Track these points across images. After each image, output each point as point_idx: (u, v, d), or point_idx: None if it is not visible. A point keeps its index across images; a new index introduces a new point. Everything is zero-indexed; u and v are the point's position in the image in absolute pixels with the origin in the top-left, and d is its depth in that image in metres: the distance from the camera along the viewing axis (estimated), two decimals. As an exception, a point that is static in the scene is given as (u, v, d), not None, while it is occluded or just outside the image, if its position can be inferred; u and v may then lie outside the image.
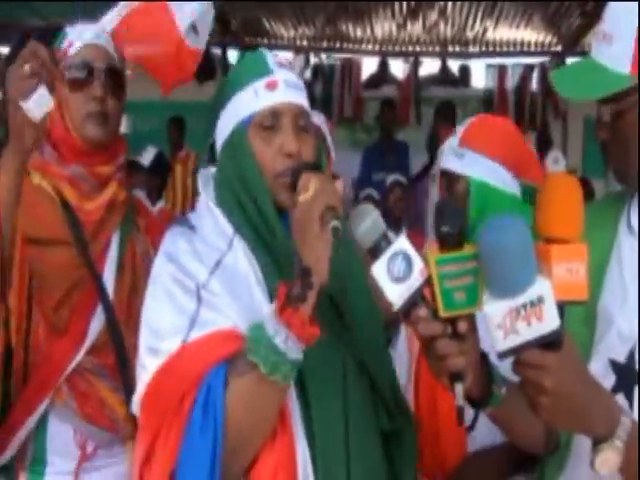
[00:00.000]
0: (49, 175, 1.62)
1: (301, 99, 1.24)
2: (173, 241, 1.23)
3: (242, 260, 1.19)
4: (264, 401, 1.08)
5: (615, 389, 1.10)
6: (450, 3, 6.55)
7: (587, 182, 5.55)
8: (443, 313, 1.01)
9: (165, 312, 1.15)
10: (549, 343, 0.94)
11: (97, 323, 1.58)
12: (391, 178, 5.33)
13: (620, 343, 1.12)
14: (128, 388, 1.49)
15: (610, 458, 0.97)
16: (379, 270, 1.03)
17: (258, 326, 1.07)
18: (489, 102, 7.72)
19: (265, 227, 1.20)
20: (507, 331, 0.93)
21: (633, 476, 1.01)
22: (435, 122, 5.81)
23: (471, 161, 1.73)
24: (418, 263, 1.02)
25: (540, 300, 0.91)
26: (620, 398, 1.08)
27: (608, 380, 1.11)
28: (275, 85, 1.21)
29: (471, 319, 1.02)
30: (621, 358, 1.12)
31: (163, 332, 1.14)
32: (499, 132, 1.74)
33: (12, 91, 1.29)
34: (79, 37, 1.65)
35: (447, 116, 5.53)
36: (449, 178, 1.77)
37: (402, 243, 1.04)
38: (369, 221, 1.06)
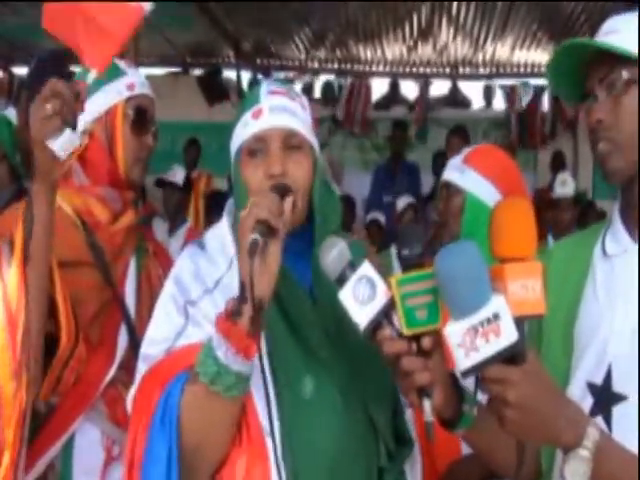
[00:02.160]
0: (77, 194, 1.66)
1: (288, 120, 1.27)
2: (181, 261, 1.32)
3: (237, 280, 1.21)
4: (211, 411, 1.12)
5: (593, 412, 1.11)
6: (460, 25, 6.60)
7: (592, 204, 5.54)
8: (406, 331, 1.06)
9: (159, 325, 1.26)
10: (511, 357, 0.96)
11: (123, 341, 1.64)
12: (403, 201, 5.33)
13: (596, 366, 1.13)
14: None
15: (578, 468, 0.98)
16: (345, 295, 1.09)
17: (209, 339, 1.12)
18: (500, 123, 7.75)
19: None
20: (468, 349, 0.96)
21: None
22: (447, 144, 5.82)
23: (469, 177, 1.94)
24: (381, 286, 1.08)
25: (496, 317, 0.95)
26: (599, 420, 1.09)
27: (586, 403, 1.12)
28: (260, 113, 1.27)
29: (435, 336, 1.05)
30: (598, 380, 1.13)
31: (154, 341, 1.25)
32: (496, 157, 2.00)
33: (36, 132, 1.30)
34: (140, 82, 1.73)
35: (460, 139, 5.54)
36: (449, 190, 1.97)
37: (366, 269, 1.09)
38: (335, 252, 1.12)
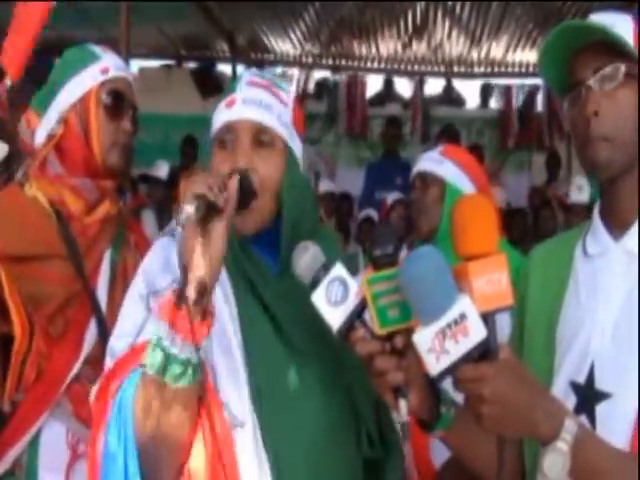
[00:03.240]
0: (51, 184, 1.63)
1: (259, 115, 1.23)
2: (152, 252, 1.29)
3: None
4: (163, 404, 1.08)
5: (577, 411, 1.11)
6: (456, 23, 6.60)
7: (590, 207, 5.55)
8: (379, 330, 1.05)
9: (125, 318, 1.24)
10: (483, 354, 0.97)
11: (91, 335, 1.60)
12: (393, 196, 5.32)
13: (579, 365, 1.14)
14: None
15: (557, 461, 0.97)
16: (318, 297, 1.08)
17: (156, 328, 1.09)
18: (494, 122, 7.77)
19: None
20: (438, 353, 0.96)
21: None
22: (437, 143, 5.83)
23: (449, 168, 2.03)
24: (353, 286, 1.07)
25: (462, 317, 0.95)
26: (582, 419, 1.08)
27: (570, 402, 1.12)
28: (233, 103, 1.24)
29: (408, 335, 1.02)
30: (581, 379, 1.13)
31: (120, 335, 1.22)
32: (471, 155, 2.12)
33: None
34: (115, 65, 1.69)
35: (450, 138, 5.55)
36: (425, 180, 2.05)
37: (338, 270, 1.09)
38: (308, 256, 1.11)
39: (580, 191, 4.53)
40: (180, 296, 1.05)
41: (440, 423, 1.11)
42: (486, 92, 8.16)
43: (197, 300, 1.06)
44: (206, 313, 1.08)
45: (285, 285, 1.25)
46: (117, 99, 1.67)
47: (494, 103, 7.98)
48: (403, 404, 1.04)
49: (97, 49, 1.72)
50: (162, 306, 1.07)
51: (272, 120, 1.24)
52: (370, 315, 1.06)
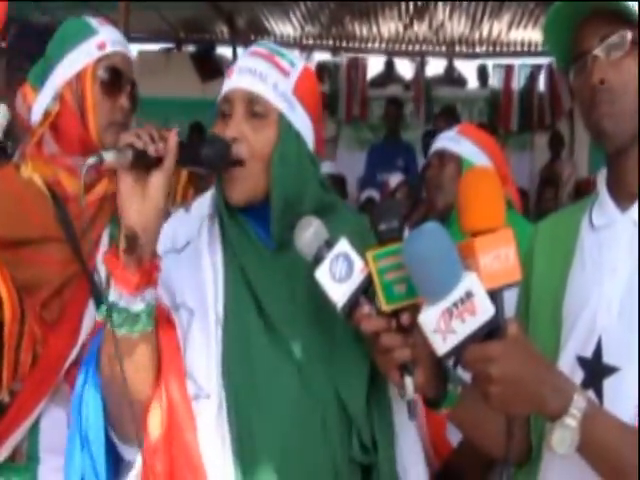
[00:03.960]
0: (47, 165, 1.60)
1: (253, 84, 1.21)
2: (165, 226, 1.28)
3: (204, 243, 1.23)
4: (109, 352, 1.12)
5: (584, 385, 1.10)
6: (457, 3, 6.54)
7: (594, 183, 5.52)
8: (385, 307, 1.03)
9: None
10: (490, 333, 0.95)
11: (90, 318, 1.55)
12: (396, 178, 5.30)
13: (586, 339, 1.13)
14: None
15: (565, 437, 0.97)
16: (322, 273, 1.06)
17: None
18: (496, 102, 7.72)
19: (221, 221, 1.25)
20: (444, 333, 0.94)
21: (595, 456, 1.01)
22: (437, 124, 5.79)
23: (466, 146, 2.02)
24: (358, 262, 1.05)
25: (469, 295, 0.93)
26: (590, 394, 1.08)
27: (577, 377, 1.11)
28: (232, 73, 1.24)
29: (415, 311, 1.01)
30: (588, 354, 1.12)
31: None
32: (488, 135, 2.11)
33: None
34: (112, 40, 1.64)
35: (450, 119, 5.52)
36: (443, 158, 2.04)
37: (342, 245, 1.07)
38: (311, 231, 1.09)
39: None
40: (116, 246, 1.09)
41: (446, 401, 1.10)
42: (483, 73, 8.10)
43: (128, 249, 1.07)
44: (142, 262, 1.09)
45: (279, 262, 1.22)
46: (114, 75, 1.61)
47: (495, 83, 7.92)
48: (409, 382, 1.03)
49: (94, 22, 1.66)
50: (106, 258, 1.11)
51: (266, 89, 1.21)
52: (376, 291, 1.04)
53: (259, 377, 1.17)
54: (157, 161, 1.09)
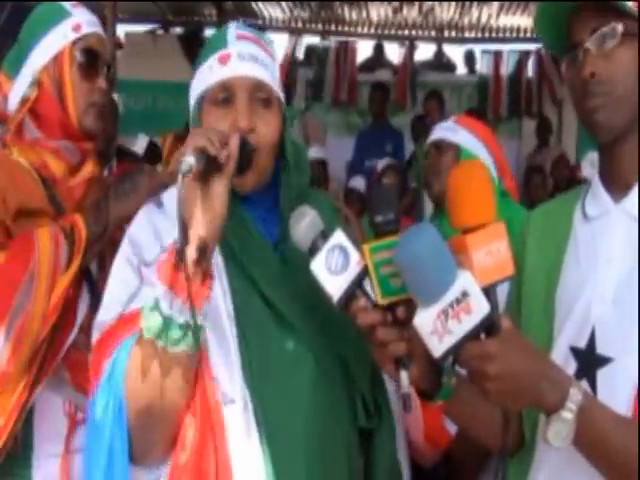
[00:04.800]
0: (31, 148, 1.58)
1: (258, 71, 1.19)
2: (137, 220, 1.25)
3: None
4: (159, 370, 1.05)
5: (577, 376, 1.11)
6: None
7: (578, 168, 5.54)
8: (381, 300, 1.02)
9: (114, 289, 1.20)
10: (486, 330, 0.95)
11: (84, 301, 1.57)
12: (383, 162, 5.28)
13: (579, 330, 1.13)
14: None
15: (561, 430, 0.98)
16: (318, 265, 1.05)
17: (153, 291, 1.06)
18: (484, 88, 7.71)
19: None
20: (441, 334, 0.94)
21: (590, 448, 1.01)
22: (425, 109, 5.78)
23: (463, 136, 2.05)
24: (354, 254, 1.04)
25: (464, 294, 0.92)
26: (583, 384, 1.08)
27: (570, 368, 1.12)
28: (227, 58, 1.19)
29: (410, 305, 1.01)
30: (581, 344, 1.12)
31: (109, 305, 1.18)
32: (486, 126, 2.13)
33: None
34: (87, 21, 1.62)
35: (437, 102, 5.51)
36: (439, 148, 2.05)
37: (339, 237, 1.05)
38: (306, 222, 1.08)
39: (593, 166, 4.51)
40: (180, 256, 1.01)
41: (441, 393, 1.10)
42: (470, 58, 8.07)
43: (198, 260, 1.03)
44: (206, 275, 1.05)
45: (284, 251, 1.22)
46: (91, 57, 1.60)
47: (484, 69, 7.91)
48: (404, 375, 1.02)
49: (66, 5, 1.64)
50: (160, 267, 1.04)
51: (269, 77, 1.21)
52: (372, 284, 1.03)
53: (278, 370, 1.16)
54: (218, 167, 1.05)
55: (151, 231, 1.21)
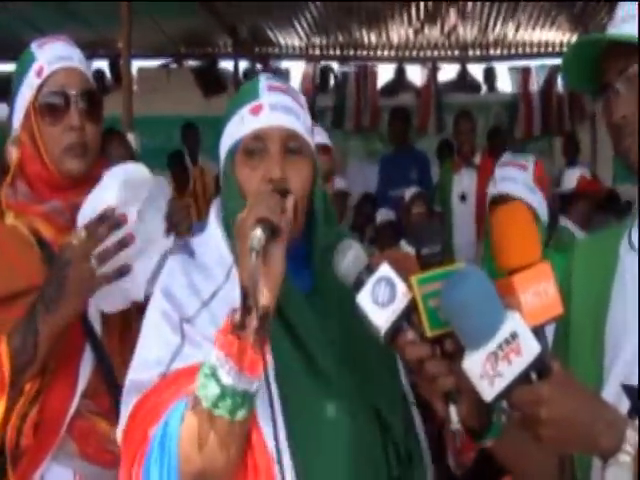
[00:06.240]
0: (23, 213, 1.58)
1: (290, 121, 1.24)
2: (170, 272, 1.27)
3: (236, 289, 1.17)
4: (216, 438, 1.07)
5: (631, 414, 1.09)
6: (470, 4, 6.54)
7: (616, 195, 5.45)
8: (429, 333, 1.05)
9: (151, 346, 1.21)
10: (537, 372, 0.97)
11: (87, 364, 1.55)
12: (411, 191, 5.23)
13: (631, 366, 1.11)
14: None
15: (621, 475, 0.97)
16: (364, 298, 1.08)
17: (209, 358, 1.07)
18: (512, 106, 7.70)
19: None
20: (491, 377, 0.96)
21: None
22: (455, 130, 5.76)
23: (538, 199, 2.20)
24: (401, 286, 1.07)
25: (514, 336, 0.95)
26: (636, 422, 1.05)
27: (622, 406, 1.10)
28: (260, 109, 1.24)
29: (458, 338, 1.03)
30: (634, 381, 1.11)
31: (146, 364, 1.19)
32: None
33: None
34: (49, 60, 1.59)
35: (469, 124, 5.48)
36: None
37: (384, 269, 1.09)
38: (351, 256, 1.12)
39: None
40: (241, 324, 1.04)
41: (491, 431, 1.10)
42: (490, 76, 8.12)
43: (259, 329, 1.05)
44: (264, 341, 1.07)
45: (316, 303, 1.25)
46: (54, 98, 1.56)
47: (511, 86, 7.90)
48: (454, 410, 1.03)
49: (33, 46, 1.62)
50: (218, 336, 1.06)
51: (300, 126, 1.26)
52: (419, 317, 1.06)
53: (317, 431, 1.18)
54: (278, 233, 1.09)
55: (186, 284, 1.23)
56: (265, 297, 1.06)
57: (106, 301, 1.52)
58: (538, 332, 0.96)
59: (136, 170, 1.57)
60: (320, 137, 2.30)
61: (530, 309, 0.96)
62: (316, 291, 1.26)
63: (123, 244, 1.43)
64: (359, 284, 1.09)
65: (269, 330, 1.08)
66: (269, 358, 1.13)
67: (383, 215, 5.34)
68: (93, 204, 1.49)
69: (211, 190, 5.93)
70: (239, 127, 1.25)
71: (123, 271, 1.45)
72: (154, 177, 1.58)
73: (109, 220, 1.41)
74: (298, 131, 1.25)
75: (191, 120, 6.53)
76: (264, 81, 1.29)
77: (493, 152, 5.33)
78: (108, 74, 8.01)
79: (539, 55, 7.98)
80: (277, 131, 1.23)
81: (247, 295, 1.04)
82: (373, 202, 6.03)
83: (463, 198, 5.18)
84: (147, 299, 1.32)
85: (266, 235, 1.05)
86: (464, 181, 5.19)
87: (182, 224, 1.60)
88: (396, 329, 1.07)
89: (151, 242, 1.54)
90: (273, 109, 1.24)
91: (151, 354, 1.19)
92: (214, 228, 1.29)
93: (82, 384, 1.53)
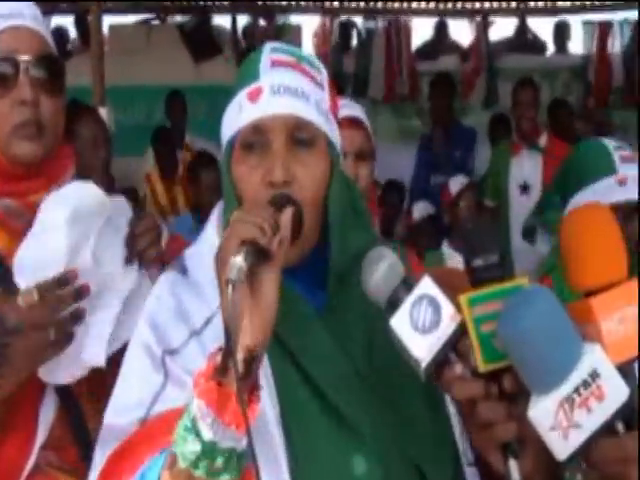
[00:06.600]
0: None
1: (297, 107, 1.24)
2: (157, 293, 1.31)
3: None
4: None
5: None
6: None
7: None
8: (483, 367, 1.04)
9: (131, 385, 1.25)
10: (625, 422, 0.96)
11: (49, 410, 1.57)
12: (457, 181, 5.19)
13: None
14: None
15: None
16: (400, 321, 1.08)
17: (189, 406, 1.08)
18: (585, 71, 7.67)
19: None
20: (565, 429, 0.96)
21: None
22: (514, 101, 5.72)
23: None
24: (448, 307, 1.07)
25: (594, 375, 0.95)
26: None
27: None
28: (258, 94, 1.24)
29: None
30: None
31: (125, 407, 1.23)
32: None
33: None
34: None
35: (531, 93, 5.44)
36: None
37: (426, 285, 1.08)
38: (383, 267, 1.11)
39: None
40: (222, 368, 1.05)
41: None
42: (562, 33, 8.14)
43: (245, 374, 1.06)
44: (253, 389, 1.08)
45: (329, 327, 1.26)
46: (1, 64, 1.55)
47: (584, 46, 7.88)
48: (514, 466, 1.03)
49: None
50: (198, 380, 1.07)
51: (310, 111, 1.25)
52: (470, 346, 1.05)
53: (326, 474, 1.19)
54: (268, 257, 1.09)
55: (175, 308, 1.27)
56: (251, 337, 1.07)
57: (57, 373, 1.51)
58: (625, 370, 0.96)
59: (88, 193, 1.56)
60: (349, 109, 2.28)
61: (614, 341, 0.96)
62: (331, 312, 1.26)
63: (77, 297, 1.45)
64: (394, 304, 1.09)
65: (258, 374, 1.09)
66: (268, 402, 1.17)
67: (421, 209, 5.32)
68: (35, 251, 1.48)
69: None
70: (236, 116, 1.26)
71: (76, 320, 1.46)
72: (111, 199, 1.57)
73: (69, 286, 1.43)
74: (307, 118, 1.24)
75: (178, 89, 6.53)
76: (267, 54, 1.29)
77: (555, 130, 5.30)
78: (73, 33, 8.07)
79: (619, 7, 7.91)
80: (280, 120, 1.23)
81: (227, 334, 1.05)
82: (400, 191, 5.99)
83: (525, 189, 5.10)
84: (122, 350, 1.34)
85: (250, 262, 1.05)
86: (525, 167, 5.11)
87: (148, 252, 1.59)
88: (441, 361, 1.06)
89: (108, 287, 1.54)
90: (275, 93, 1.24)
91: (131, 395, 1.22)
92: (211, 235, 1.31)
93: (42, 434, 1.55)
